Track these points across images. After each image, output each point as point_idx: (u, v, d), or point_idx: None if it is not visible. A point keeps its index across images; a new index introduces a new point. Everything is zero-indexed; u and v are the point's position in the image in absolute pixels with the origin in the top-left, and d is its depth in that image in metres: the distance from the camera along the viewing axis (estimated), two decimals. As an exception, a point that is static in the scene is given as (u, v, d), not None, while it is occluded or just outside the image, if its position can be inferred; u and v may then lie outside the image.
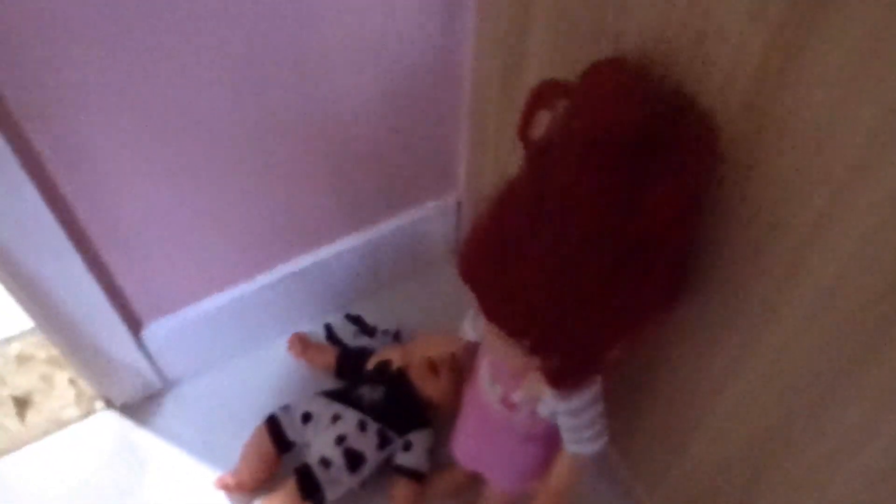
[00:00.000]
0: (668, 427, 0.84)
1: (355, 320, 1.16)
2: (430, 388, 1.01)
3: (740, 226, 0.60)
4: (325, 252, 1.09)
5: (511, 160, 0.97)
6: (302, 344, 1.12)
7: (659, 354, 0.79)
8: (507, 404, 0.78)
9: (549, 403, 0.74)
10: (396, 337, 1.13)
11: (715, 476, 0.79)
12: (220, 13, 0.74)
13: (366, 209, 1.09)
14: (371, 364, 1.03)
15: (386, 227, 1.12)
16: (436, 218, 1.15)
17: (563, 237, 0.58)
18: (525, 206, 0.60)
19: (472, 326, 0.84)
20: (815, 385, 0.59)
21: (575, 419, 0.74)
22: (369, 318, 1.16)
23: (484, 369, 0.80)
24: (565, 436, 0.77)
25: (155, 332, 1.01)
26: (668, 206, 0.56)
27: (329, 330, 1.15)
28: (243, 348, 1.12)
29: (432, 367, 1.01)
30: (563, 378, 0.67)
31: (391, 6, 0.84)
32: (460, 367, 0.98)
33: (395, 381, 1.03)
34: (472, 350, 0.88)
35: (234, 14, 0.75)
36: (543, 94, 0.62)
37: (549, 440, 0.82)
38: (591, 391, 0.74)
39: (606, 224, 0.57)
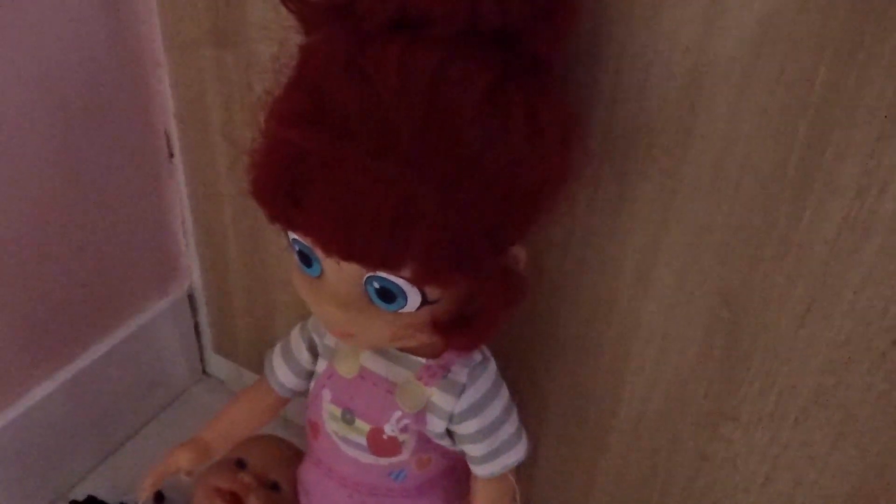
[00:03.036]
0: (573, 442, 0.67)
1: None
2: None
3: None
4: (11, 413, 0.72)
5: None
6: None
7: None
8: (382, 446, 0.53)
9: (444, 406, 0.51)
10: (159, 499, 0.78)
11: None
12: None
13: (58, 337, 0.76)
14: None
15: (96, 353, 0.79)
16: (163, 324, 0.86)
17: (415, 97, 0.39)
18: (342, 83, 0.40)
19: (288, 360, 0.57)
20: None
21: (483, 414, 0.52)
22: (108, 492, 0.79)
23: (328, 411, 0.54)
24: (476, 453, 0.53)
25: None
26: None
27: (48, 532, 0.76)
28: None
29: (232, 498, 0.69)
30: (466, 318, 0.45)
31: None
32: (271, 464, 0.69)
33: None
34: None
35: None
36: None
37: (450, 482, 0.57)
38: (490, 369, 0.53)
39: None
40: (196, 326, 0.90)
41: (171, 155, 0.78)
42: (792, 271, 0.49)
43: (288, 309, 0.81)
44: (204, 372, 0.93)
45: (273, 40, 0.62)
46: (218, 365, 0.92)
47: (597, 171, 0.52)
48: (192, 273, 0.87)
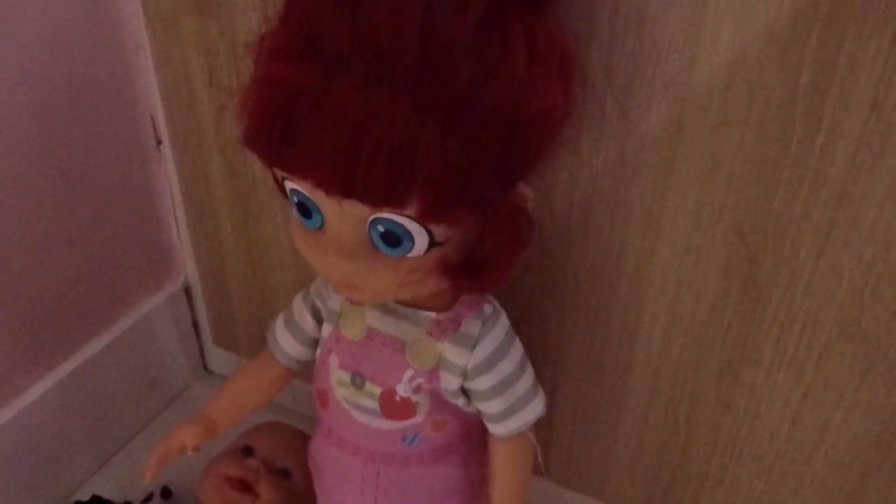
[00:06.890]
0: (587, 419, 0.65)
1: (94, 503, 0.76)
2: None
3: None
4: (5, 415, 0.70)
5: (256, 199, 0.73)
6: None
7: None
8: (395, 409, 0.51)
9: (457, 361, 0.49)
10: (166, 494, 0.76)
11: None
12: None
13: (51, 335, 0.73)
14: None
15: (91, 351, 0.77)
16: (160, 319, 0.83)
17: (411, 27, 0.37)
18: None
19: (292, 329, 0.56)
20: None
21: (498, 368, 0.50)
22: (113, 493, 0.77)
23: (337, 377, 0.52)
24: (492, 410, 0.51)
25: None
26: None
27: (53, 536, 0.73)
28: None
29: (241, 485, 0.67)
30: (476, 261, 0.43)
31: None
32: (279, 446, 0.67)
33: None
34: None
35: None
36: None
37: (467, 446, 0.55)
38: (502, 321, 0.51)
39: None
40: (194, 320, 0.87)
41: (159, 141, 0.76)
42: (808, 197, 0.48)
43: (288, 293, 0.78)
44: (205, 368, 0.91)
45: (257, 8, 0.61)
46: (219, 359, 0.90)
47: (600, 108, 0.50)
48: (187, 265, 0.84)
